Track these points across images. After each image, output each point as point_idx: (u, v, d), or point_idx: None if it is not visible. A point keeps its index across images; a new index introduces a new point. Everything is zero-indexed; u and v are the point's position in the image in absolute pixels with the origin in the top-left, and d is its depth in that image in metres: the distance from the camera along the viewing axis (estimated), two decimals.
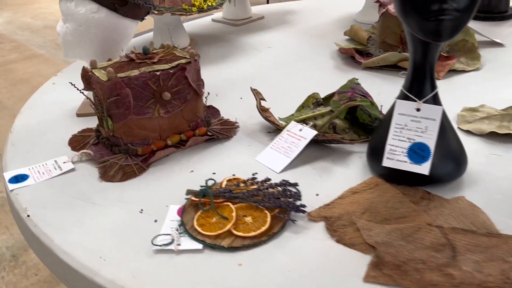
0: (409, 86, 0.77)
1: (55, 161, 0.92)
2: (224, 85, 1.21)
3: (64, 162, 0.91)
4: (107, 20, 1.01)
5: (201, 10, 1.34)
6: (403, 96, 0.77)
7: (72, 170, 0.89)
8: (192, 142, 0.93)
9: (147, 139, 0.90)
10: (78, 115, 1.10)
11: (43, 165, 0.91)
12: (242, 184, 0.77)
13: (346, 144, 0.89)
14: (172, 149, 0.91)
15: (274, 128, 0.97)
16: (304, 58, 1.38)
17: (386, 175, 0.79)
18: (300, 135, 0.88)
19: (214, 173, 0.85)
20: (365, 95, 0.95)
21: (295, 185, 0.78)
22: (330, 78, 1.23)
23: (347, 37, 1.48)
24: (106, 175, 0.86)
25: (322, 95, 1.02)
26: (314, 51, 1.42)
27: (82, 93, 0.94)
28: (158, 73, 0.86)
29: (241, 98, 1.13)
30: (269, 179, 0.77)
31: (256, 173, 0.84)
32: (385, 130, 0.79)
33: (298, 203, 0.71)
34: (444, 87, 1.12)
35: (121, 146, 0.89)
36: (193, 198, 0.74)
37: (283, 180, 0.73)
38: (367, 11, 1.64)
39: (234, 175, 0.84)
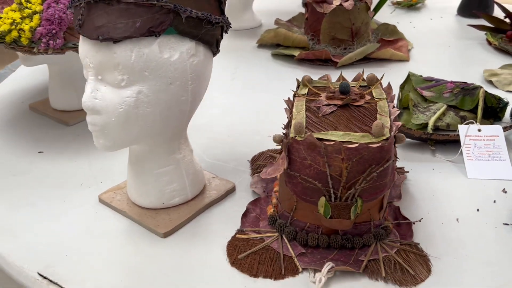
0: None
1: None
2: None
3: None
4: (205, 63, 0.62)
5: None
6: None
7: None
8: None
9: None
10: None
11: None
12: None
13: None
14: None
15: (433, 142, 0.84)
16: (259, 77, 1.18)
17: None
18: (487, 136, 0.80)
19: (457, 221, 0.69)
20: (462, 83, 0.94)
21: None
22: None
23: (258, 44, 1.34)
24: None
25: None
26: (259, 66, 1.23)
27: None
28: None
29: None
30: None
31: (505, 189, 0.73)
32: None
33: None
34: (427, 64, 1.21)
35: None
36: None
37: None
38: (236, 15, 1.51)
39: (478, 209, 0.70)
